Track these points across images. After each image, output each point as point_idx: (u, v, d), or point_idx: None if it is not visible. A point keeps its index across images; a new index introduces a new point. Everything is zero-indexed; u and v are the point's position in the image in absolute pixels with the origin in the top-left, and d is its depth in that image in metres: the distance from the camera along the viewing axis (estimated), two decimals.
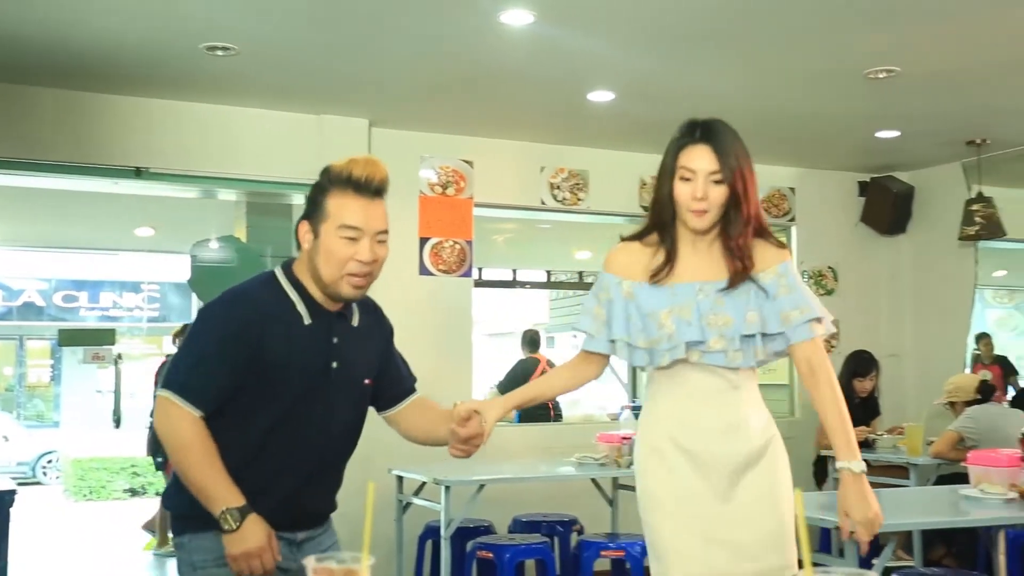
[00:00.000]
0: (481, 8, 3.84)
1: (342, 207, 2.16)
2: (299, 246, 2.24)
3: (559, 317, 11.80)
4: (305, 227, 2.22)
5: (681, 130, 2.33)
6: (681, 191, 2.28)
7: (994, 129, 5.81)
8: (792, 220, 6.71)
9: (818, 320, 2.27)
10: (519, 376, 8.14)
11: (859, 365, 6.02)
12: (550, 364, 8.29)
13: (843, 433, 2.23)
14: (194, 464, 2.12)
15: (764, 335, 2.27)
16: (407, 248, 5.67)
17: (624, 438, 4.85)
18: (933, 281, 6.76)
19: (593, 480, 5.13)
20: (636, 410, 8.26)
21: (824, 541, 4.96)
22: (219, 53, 4.34)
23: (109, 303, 15.35)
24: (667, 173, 2.31)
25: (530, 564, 5.29)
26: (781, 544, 2.24)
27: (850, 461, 2.21)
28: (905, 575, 3.69)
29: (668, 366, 2.28)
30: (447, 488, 4.23)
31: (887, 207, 6.77)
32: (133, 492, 11.31)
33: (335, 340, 2.26)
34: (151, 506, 8.23)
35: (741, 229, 2.28)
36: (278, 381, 2.18)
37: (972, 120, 5.65)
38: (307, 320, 2.22)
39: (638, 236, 2.42)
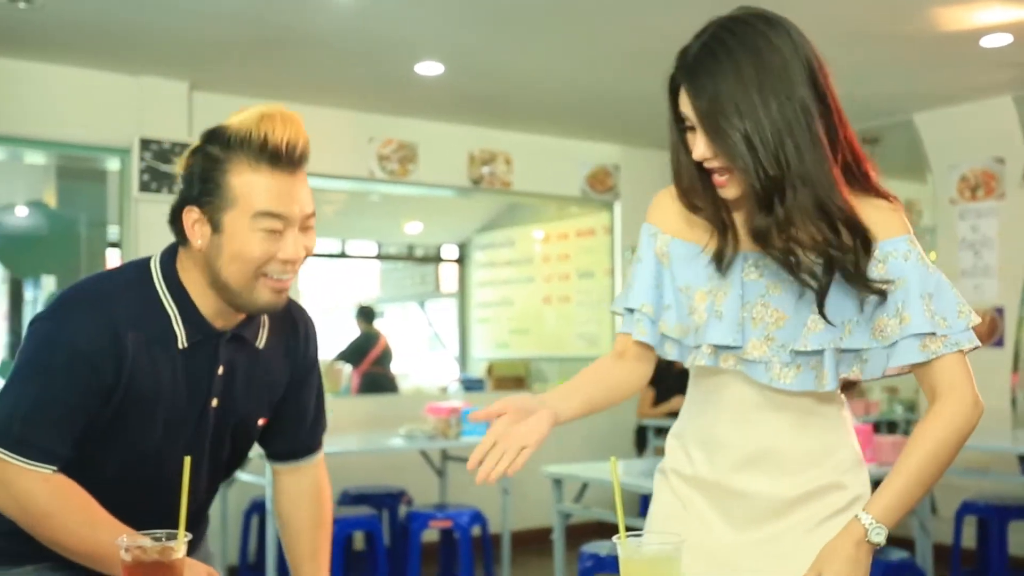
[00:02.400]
0: None
1: (256, 188, 1.56)
2: (182, 240, 1.64)
3: (390, 290, 11.75)
4: (194, 215, 1.59)
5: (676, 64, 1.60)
6: (692, 147, 1.55)
7: None
8: (616, 196, 6.91)
9: (933, 335, 1.44)
10: (361, 348, 8.11)
11: None
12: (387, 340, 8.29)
13: (899, 493, 1.42)
14: (67, 533, 1.56)
15: (843, 351, 1.51)
16: None
17: (452, 410, 4.90)
18: None
19: (422, 452, 5.16)
20: (465, 383, 8.37)
21: (644, 507, 5.18)
22: (21, 5, 4.07)
23: None
24: (673, 128, 1.65)
25: (359, 536, 5.29)
26: None
27: (876, 522, 1.41)
28: None
29: (701, 379, 1.64)
30: None
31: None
32: None
33: (220, 371, 1.69)
34: None
35: (780, 211, 1.45)
36: (134, 423, 1.63)
37: None
38: (182, 343, 1.64)
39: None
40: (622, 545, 1.33)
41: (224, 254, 1.58)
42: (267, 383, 1.77)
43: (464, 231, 9.93)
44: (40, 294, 6.35)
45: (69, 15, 4.26)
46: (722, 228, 1.56)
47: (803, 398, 1.55)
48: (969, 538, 5.02)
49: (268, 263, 1.59)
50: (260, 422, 1.80)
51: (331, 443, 4.85)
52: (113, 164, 5.39)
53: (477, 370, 9.22)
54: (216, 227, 1.58)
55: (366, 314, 8.42)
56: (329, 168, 5.84)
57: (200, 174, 1.58)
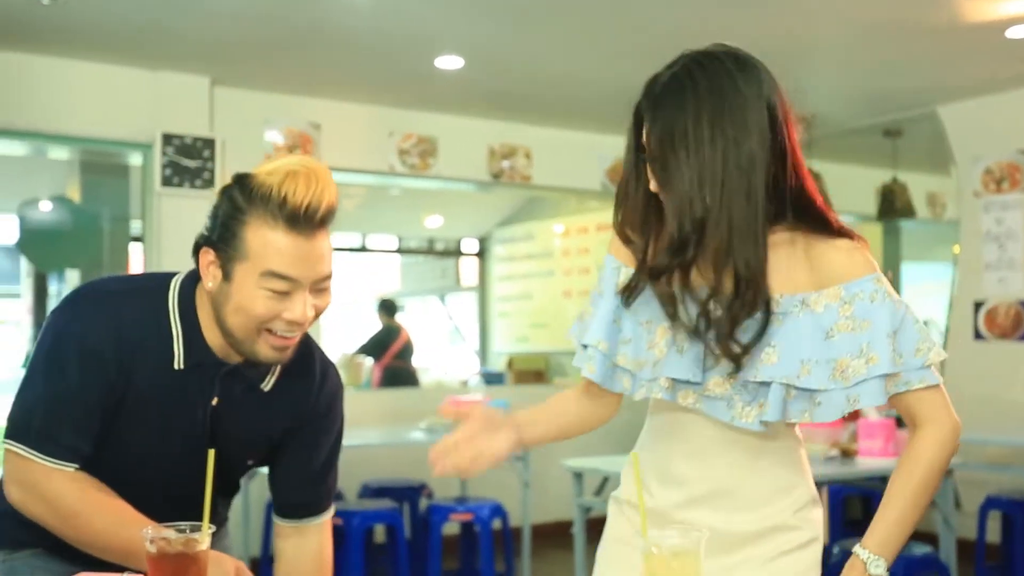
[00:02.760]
0: None
1: (269, 247, 1.52)
2: (197, 274, 1.64)
3: (410, 284, 11.78)
4: (209, 258, 1.58)
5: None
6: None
7: (821, 107, 6.11)
8: None
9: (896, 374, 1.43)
10: (383, 342, 8.15)
11: None
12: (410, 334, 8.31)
13: (893, 524, 1.43)
14: (97, 532, 1.57)
15: (798, 389, 1.46)
16: None
17: (473, 404, 4.90)
18: None
19: None
20: (486, 375, 8.38)
21: None
22: (44, 2, 4.10)
23: None
24: (629, 155, 1.59)
25: (380, 529, 5.31)
26: None
27: (873, 555, 1.42)
28: None
29: (658, 415, 1.61)
30: None
31: None
32: None
33: (215, 402, 1.66)
34: None
35: (690, 253, 1.44)
36: (131, 427, 1.62)
37: (801, 97, 5.90)
38: (179, 363, 1.62)
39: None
40: (644, 539, 1.33)
41: (230, 303, 1.56)
42: (265, 427, 1.72)
43: (484, 225, 9.93)
44: (64, 288, 6.41)
45: (91, 12, 4.28)
46: (641, 263, 1.54)
47: (761, 436, 1.52)
48: (993, 533, 4.98)
49: (272, 321, 1.56)
50: (250, 462, 1.77)
51: (352, 436, 4.85)
52: (136, 159, 5.42)
53: (497, 364, 9.23)
54: (227, 275, 1.56)
55: (387, 307, 8.44)
56: (349, 162, 5.86)
57: (221, 219, 1.56)
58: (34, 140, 5.12)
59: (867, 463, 3.70)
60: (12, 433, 1.58)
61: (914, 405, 1.45)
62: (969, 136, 5.79)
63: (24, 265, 8.50)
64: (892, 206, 6.34)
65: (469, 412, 1.52)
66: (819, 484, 4.09)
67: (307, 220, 1.52)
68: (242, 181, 1.56)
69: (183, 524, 1.40)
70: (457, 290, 10.86)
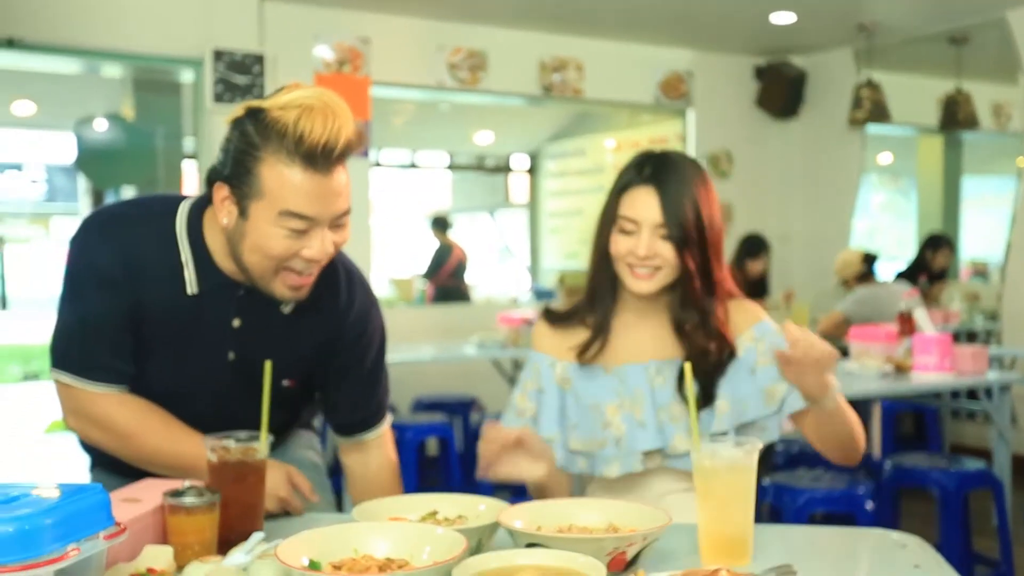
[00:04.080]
0: None
1: (286, 186, 1.47)
2: (209, 199, 1.59)
3: (460, 200, 11.76)
4: (223, 193, 1.53)
5: (628, 165, 1.77)
6: (619, 244, 1.72)
7: (883, 15, 5.91)
8: (690, 103, 6.76)
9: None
10: (438, 260, 8.17)
11: (750, 247, 6.20)
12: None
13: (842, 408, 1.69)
14: (150, 450, 1.63)
15: (745, 425, 1.73)
16: None
17: (524, 319, 4.93)
18: (822, 165, 6.94)
19: (493, 361, 5.22)
20: (537, 292, 8.40)
21: None
22: None
23: None
24: (607, 221, 1.75)
25: (432, 442, 5.41)
26: None
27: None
28: (789, 444, 3.90)
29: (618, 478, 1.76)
30: None
31: (780, 91, 6.87)
32: (26, 377, 11.06)
33: (236, 324, 1.64)
34: (46, 391, 8.07)
35: (707, 303, 1.73)
36: (150, 363, 1.63)
37: (863, 4, 5.72)
38: (192, 288, 1.60)
39: (568, 315, 1.83)
40: (696, 450, 1.34)
41: (246, 241, 1.52)
42: (293, 348, 1.68)
43: (535, 140, 9.84)
44: None
45: None
46: (599, 324, 1.77)
47: None
48: None
49: (291, 259, 1.52)
50: (286, 383, 1.71)
51: (405, 352, 4.95)
52: (187, 76, 5.43)
53: (548, 280, 9.23)
54: (243, 212, 1.51)
55: (441, 224, 8.42)
56: (399, 77, 5.81)
57: (234, 154, 1.51)
58: (87, 58, 5.14)
59: (921, 378, 3.66)
60: (55, 363, 1.62)
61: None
62: None
63: (81, 183, 8.63)
64: (955, 117, 6.14)
65: (519, 434, 1.59)
66: (872, 400, 4.08)
67: (324, 157, 1.47)
68: (255, 114, 1.49)
69: (242, 433, 1.43)
70: (507, 206, 10.83)
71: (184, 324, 1.61)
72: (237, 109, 1.54)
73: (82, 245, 1.62)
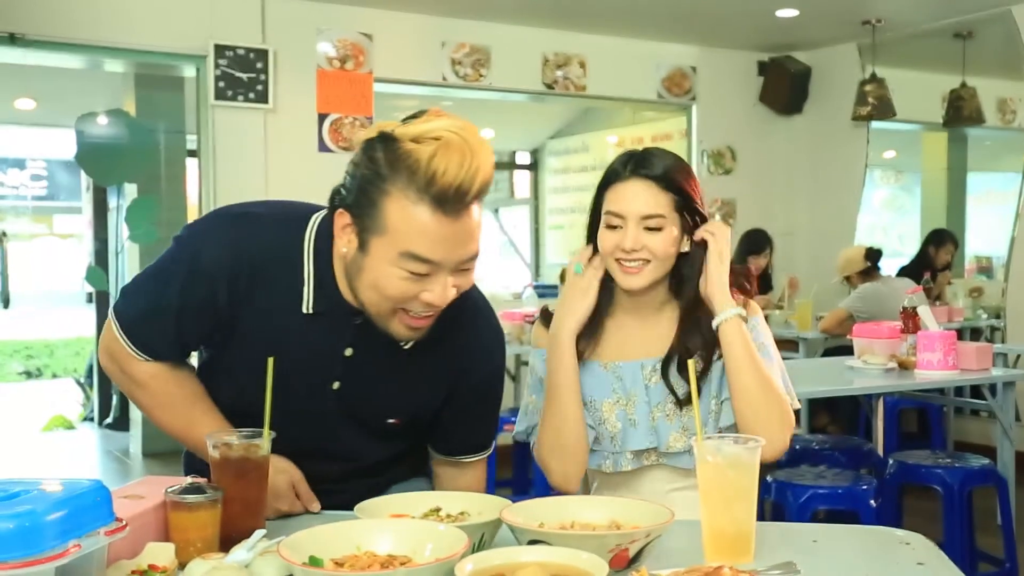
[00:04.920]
0: None
1: (412, 226, 1.37)
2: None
3: None
4: (345, 220, 1.44)
5: (612, 163, 1.76)
6: (606, 240, 1.72)
7: (888, 10, 5.90)
8: (693, 99, 6.75)
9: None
10: None
11: (754, 243, 6.19)
12: None
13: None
14: (164, 425, 1.63)
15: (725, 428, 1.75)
16: (305, 125, 5.52)
17: (526, 316, 4.92)
18: (826, 161, 6.92)
19: None
20: (539, 289, 8.39)
21: None
22: None
23: None
24: (594, 219, 1.76)
25: None
26: None
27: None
28: (792, 441, 3.89)
29: (612, 472, 1.78)
30: None
31: (784, 87, 6.85)
32: (28, 375, 11.07)
33: (348, 352, 1.56)
34: (47, 388, 8.09)
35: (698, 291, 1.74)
36: (245, 365, 1.54)
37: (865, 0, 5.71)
38: (308, 307, 1.53)
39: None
40: (698, 446, 1.33)
41: (364, 277, 1.44)
42: (406, 384, 1.60)
43: (537, 137, 9.82)
44: (124, 203, 6.50)
45: None
46: (590, 327, 1.76)
47: None
48: None
49: (408, 302, 1.43)
50: (391, 421, 1.62)
51: None
52: (190, 71, 5.42)
53: (551, 276, 9.23)
54: (362, 246, 1.42)
55: None
56: (402, 73, 5.80)
57: (360, 182, 1.40)
58: (89, 53, 5.14)
59: (925, 375, 3.65)
60: (116, 309, 1.59)
61: None
62: None
63: (83, 179, 8.63)
64: (960, 113, 6.12)
65: None
66: (876, 396, 4.07)
67: (457, 200, 1.35)
68: (387, 141, 1.38)
69: (246, 430, 1.43)
70: (511, 203, 10.82)
71: (293, 341, 1.53)
72: (371, 129, 1.43)
73: (195, 233, 1.58)
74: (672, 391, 1.72)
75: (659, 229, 1.69)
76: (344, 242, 1.45)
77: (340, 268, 1.51)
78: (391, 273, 1.40)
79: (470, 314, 1.62)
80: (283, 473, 1.56)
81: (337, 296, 1.52)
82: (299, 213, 1.57)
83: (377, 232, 1.39)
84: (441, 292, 1.42)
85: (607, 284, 1.76)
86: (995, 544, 3.68)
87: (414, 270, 1.39)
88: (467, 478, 1.74)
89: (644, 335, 1.77)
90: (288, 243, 1.53)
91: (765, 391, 1.68)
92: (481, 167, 1.36)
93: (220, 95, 5.16)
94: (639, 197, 1.69)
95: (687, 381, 1.65)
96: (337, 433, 1.61)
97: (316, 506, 1.58)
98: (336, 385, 1.58)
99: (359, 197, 1.41)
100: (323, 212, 1.56)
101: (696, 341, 1.72)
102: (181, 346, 1.61)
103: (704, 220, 1.75)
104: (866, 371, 3.70)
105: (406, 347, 1.56)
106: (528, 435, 1.82)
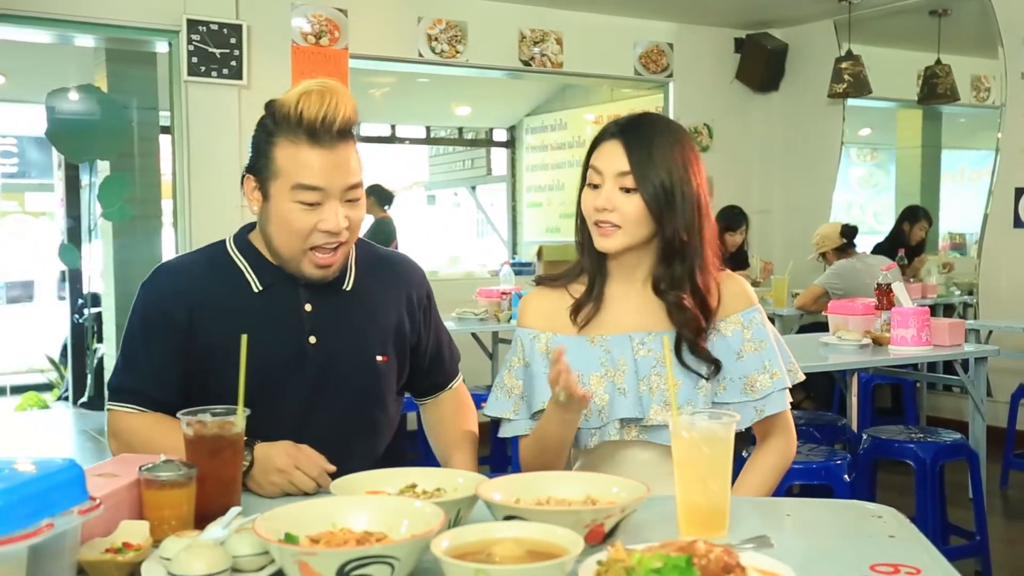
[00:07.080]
0: None
1: (295, 162, 1.64)
2: (253, 225, 1.79)
3: (439, 174, 11.71)
4: (250, 184, 1.72)
5: (605, 125, 1.78)
6: (587, 201, 1.72)
7: None
8: (670, 76, 6.74)
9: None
10: (388, 237, 7.35)
11: (730, 220, 6.21)
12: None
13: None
14: (160, 443, 1.59)
15: (717, 403, 1.73)
16: None
17: (503, 293, 4.92)
18: (802, 138, 6.94)
19: (473, 334, 5.22)
20: (516, 266, 8.39)
21: None
22: None
23: None
24: (583, 181, 1.77)
25: (411, 416, 5.39)
26: None
27: None
28: None
29: (596, 447, 1.75)
30: None
31: (761, 64, 6.86)
32: None
33: (308, 307, 1.76)
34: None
35: (679, 268, 1.70)
36: (228, 372, 1.53)
37: None
38: (256, 286, 1.75)
39: (561, 276, 1.82)
40: (674, 421, 1.34)
41: (272, 221, 1.70)
42: (374, 321, 1.81)
43: (514, 114, 9.79)
44: (96, 180, 6.43)
45: None
46: (592, 288, 1.76)
47: None
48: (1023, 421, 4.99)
49: (311, 235, 1.67)
50: (380, 359, 1.80)
51: None
52: (162, 46, 5.35)
53: (527, 254, 9.23)
54: (265, 195, 1.69)
55: (383, 197, 7.50)
56: (377, 49, 5.76)
57: (256, 145, 1.71)
58: (59, 27, 5.05)
59: (899, 351, 3.68)
60: (108, 395, 1.78)
61: (781, 416, 1.77)
62: (1019, 16, 5.57)
63: (55, 156, 8.52)
64: (934, 90, 6.15)
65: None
66: (850, 372, 4.11)
67: (325, 131, 1.64)
68: (269, 107, 1.69)
69: (219, 407, 1.42)
70: (487, 180, 10.79)
71: (260, 317, 1.72)
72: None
73: (138, 297, 1.77)
74: (695, 372, 1.71)
75: (634, 190, 1.67)
76: (253, 201, 1.72)
77: (261, 243, 1.76)
78: (290, 208, 1.66)
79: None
80: (284, 458, 1.56)
81: (274, 268, 1.76)
82: (213, 245, 1.83)
83: (273, 177, 1.67)
84: (334, 219, 1.66)
85: (601, 258, 1.75)
86: (966, 517, 3.73)
87: (306, 199, 1.65)
88: (447, 410, 1.97)
89: (636, 307, 1.75)
90: (215, 255, 1.79)
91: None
92: (340, 102, 1.64)
93: (193, 71, 5.10)
94: (617, 155, 1.69)
95: (702, 359, 1.70)
96: (325, 401, 1.74)
97: (327, 466, 1.58)
98: (313, 339, 1.75)
99: (257, 158, 1.70)
100: (234, 233, 1.83)
101: (692, 324, 1.70)
102: (160, 384, 1.72)
103: (690, 202, 1.68)
104: (841, 347, 3.73)
105: (348, 288, 1.80)
106: (502, 424, 1.78)
